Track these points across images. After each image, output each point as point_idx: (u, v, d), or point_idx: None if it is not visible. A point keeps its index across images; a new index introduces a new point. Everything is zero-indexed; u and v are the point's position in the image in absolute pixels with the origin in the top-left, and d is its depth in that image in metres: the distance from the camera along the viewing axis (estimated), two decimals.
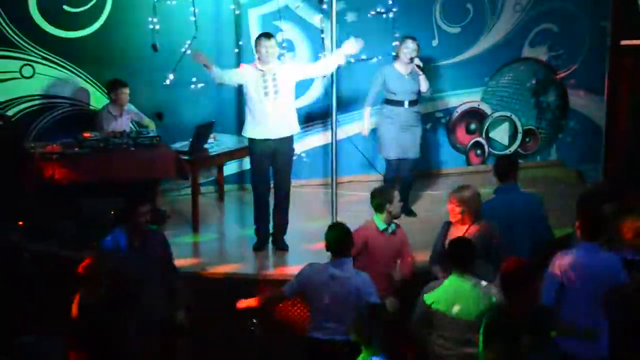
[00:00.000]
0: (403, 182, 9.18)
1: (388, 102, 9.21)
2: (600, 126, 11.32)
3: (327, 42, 9.92)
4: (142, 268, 6.55)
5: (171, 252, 7.01)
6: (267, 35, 8.34)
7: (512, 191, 7.16)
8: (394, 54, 9.61)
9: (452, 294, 5.85)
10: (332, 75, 8.82)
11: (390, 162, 9.23)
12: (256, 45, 8.31)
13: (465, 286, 5.84)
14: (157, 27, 9.65)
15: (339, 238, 6.42)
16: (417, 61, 9.08)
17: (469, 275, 5.89)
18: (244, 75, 8.34)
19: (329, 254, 6.55)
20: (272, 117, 8.25)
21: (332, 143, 8.97)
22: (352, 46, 8.51)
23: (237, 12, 10.10)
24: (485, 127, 11.05)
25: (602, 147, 11.08)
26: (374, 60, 10.41)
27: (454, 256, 5.97)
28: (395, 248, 7.03)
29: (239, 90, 9.97)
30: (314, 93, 10.48)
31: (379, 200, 7.02)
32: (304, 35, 10.36)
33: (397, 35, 10.49)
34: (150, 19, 9.64)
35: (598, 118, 11.34)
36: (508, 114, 11.10)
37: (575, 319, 5.92)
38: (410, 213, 9.24)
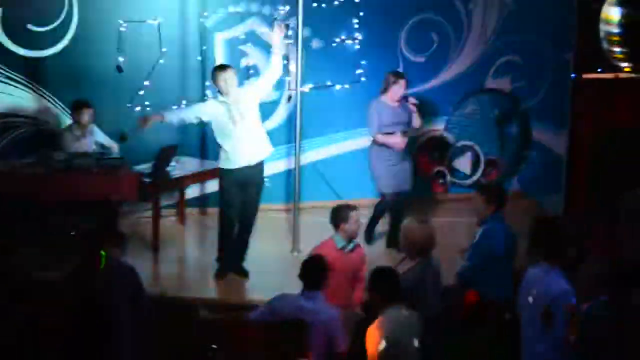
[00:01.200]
0: (397, 213, 9.17)
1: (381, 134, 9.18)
2: (562, 158, 11.51)
3: (292, 68, 10.07)
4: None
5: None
6: (222, 67, 8.45)
7: (502, 220, 7.16)
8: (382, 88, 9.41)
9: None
10: (296, 101, 8.96)
11: (385, 196, 9.25)
12: (214, 79, 8.37)
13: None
14: (123, 48, 9.73)
15: (313, 270, 6.45)
16: (413, 100, 9.18)
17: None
18: (209, 113, 8.41)
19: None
20: (244, 143, 8.36)
21: (295, 168, 9.10)
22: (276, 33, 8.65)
23: (203, 36, 10.18)
24: (448, 156, 11.19)
25: (564, 178, 11.27)
26: (338, 87, 10.55)
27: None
28: (354, 266, 7.16)
29: None
30: (278, 118, 10.59)
31: (334, 219, 7.16)
32: (270, 61, 10.41)
33: (362, 62, 10.66)
34: (115, 40, 9.71)
35: (560, 149, 11.53)
36: (471, 143, 11.24)
37: None
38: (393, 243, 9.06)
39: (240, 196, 8.46)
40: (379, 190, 9.37)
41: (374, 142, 9.22)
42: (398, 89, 9.10)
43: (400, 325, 5.78)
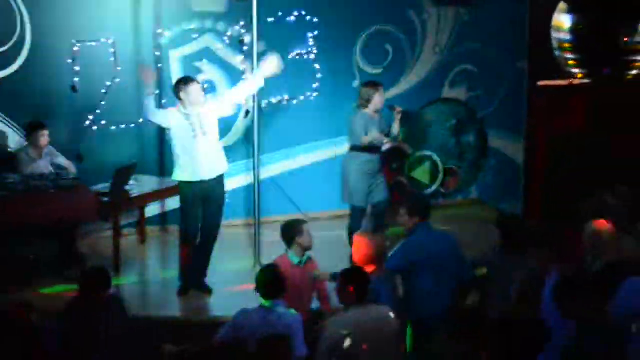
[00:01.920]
0: (379, 227, 9.00)
1: (358, 148, 9.01)
2: (519, 165, 11.64)
3: None
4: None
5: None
6: (187, 80, 8.42)
7: (430, 230, 7.21)
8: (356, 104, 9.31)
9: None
10: (253, 116, 8.97)
11: (356, 210, 9.08)
12: (178, 91, 8.32)
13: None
14: (77, 68, 9.70)
15: (270, 280, 6.42)
16: (399, 108, 9.14)
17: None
18: (169, 119, 8.39)
19: (254, 295, 6.60)
20: (204, 157, 8.33)
21: (254, 183, 9.10)
22: (272, 64, 8.61)
23: (157, 53, 10.18)
24: (407, 166, 11.24)
25: (521, 185, 11.39)
26: (295, 101, 10.59)
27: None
28: (311, 278, 7.20)
29: (161, 132, 10.10)
30: (236, 133, 10.60)
31: (288, 234, 7.18)
32: (226, 77, 10.46)
33: (318, 76, 10.71)
34: (69, 60, 9.68)
35: (517, 157, 11.66)
36: (429, 153, 11.29)
37: None
38: None
39: (200, 211, 8.44)
40: (355, 203, 9.08)
41: (353, 154, 9.06)
42: (379, 98, 8.99)
43: (365, 324, 5.81)
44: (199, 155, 8.30)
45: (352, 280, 6.00)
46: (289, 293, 6.72)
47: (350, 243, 8.23)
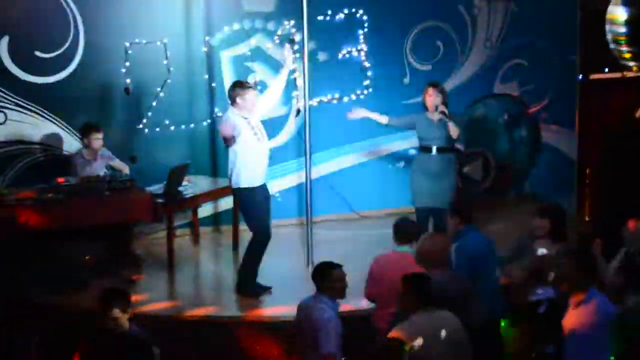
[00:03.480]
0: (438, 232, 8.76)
1: (420, 149, 8.96)
2: (572, 159, 11.48)
3: (300, 82, 10.05)
4: None
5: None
6: (244, 84, 8.34)
7: (473, 233, 6.99)
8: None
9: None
10: (304, 115, 8.94)
11: (419, 211, 8.91)
12: (235, 95, 8.21)
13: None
14: (130, 70, 9.75)
15: (318, 274, 6.42)
16: (441, 107, 8.72)
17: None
18: (240, 126, 8.19)
19: (308, 294, 6.56)
20: (265, 160, 8.34)
21: (306, 182, 9.06)
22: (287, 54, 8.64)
23: (209, 54, 10.18)
24: (459, 164, 11.12)
25: (575, 180, 11.24)
26: (346, 99, 10.55)
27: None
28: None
29: (213, 132, 10.12)
30: (287, 133, 10.59)
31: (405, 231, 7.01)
32: (276, 76, 10.36)
33: (369, 74, 10.65)
34: (122, 63, 9.72)
35: (570, 151, 11.51)
36: (481, 149, 11.20)
37: None
38: None
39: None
40: (414, 204, 8.98)
41: (417, 153, 9.04)
42: (428, 99, 8.80)
43: (432, 327, 5.73)
44: (263, 160, 8.28)
45: (414, 286, 5.92)
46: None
47: None
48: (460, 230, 6.95)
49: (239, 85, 8.30)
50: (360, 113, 9.11)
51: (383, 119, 9.07)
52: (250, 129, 8.20)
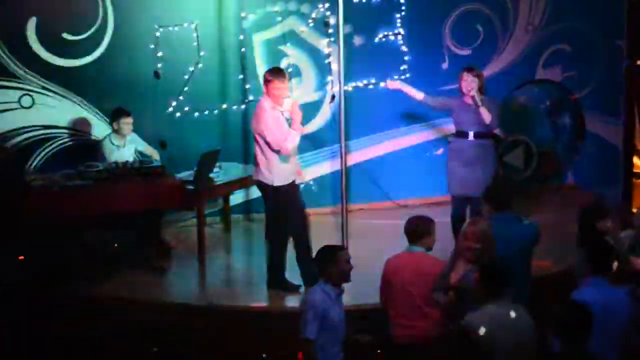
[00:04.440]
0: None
1: (455, 134, 8.86)
2: (617, 148, 11.29)
3: (334, 67, 9.95)
4: None
5: None
6: (280, 72, 8.08)
7: (504, 221, 6.75)
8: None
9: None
10: (339, 101, 8.82)
11: (456, 199, 8.82)
12: (271, 84, 7.91)
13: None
14: (160, 53, 9.69)
15: (317, 259, 6.29)
16: (472, 93, 8.59)
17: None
18: (281, 122, 7.99)
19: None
20: (295, 158, 8.20)
21: (341, 170, 8.94)
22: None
23: (241, 37, 10.09)
24: (499, 151, 10.98)
25: (621, 169, 11.05)
26: (382, 84, 10.43)
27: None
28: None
29: (245, 118, 10.04)
30: (322, 119, 10.48)
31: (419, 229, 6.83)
32: (311, 60, 10.36)
33: (406, 58, 10.53)
34: (152, 46, 9.66)
35: (615, 140, 11.32)
36: (522, 137, 11.04)
37: None
38: None
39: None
40: (449, 191, 8.91)
41: (452, 138, 8.96)
42: (464, 83, 8.65)
43: (499, 323, 5.58)
44: (294, 156, 8.15)
45: (486, 276, 5.74)
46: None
47: (453, 232, 7.99)
48: (491, 219, 6.74)
49: (275, 73, 8.02)
50: (396, 84, 9.02)
51: (419, 95, 8.95)
52: (284, 122, 8.02)
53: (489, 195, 6.99)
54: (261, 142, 7.97)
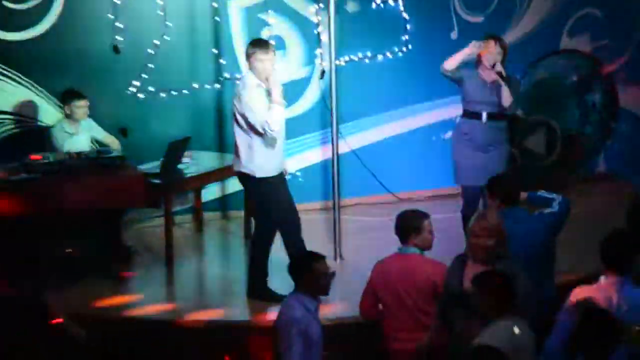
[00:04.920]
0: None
1: (465, 114, 8.84)
2: None
3: (324, 38, 9.97)
4: None
5: None
6: (263, 43, 8.12)
7: (513, 218, 6.82)
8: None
9: None
10: (330, 78, 8.84)
11: (467, 190, 8.84)
12: (253, 57, 7.94)
13: None
14: (119, 24, 9.69)
15: (292, 268, 6.40)
16: (498, 67, 8.58)
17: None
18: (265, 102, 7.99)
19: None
20: (281, 145, 8.20)
21: (332, 158, 8.98)
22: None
23: (214, 4, 10.11)
24: (518, 134, 11.02)
25: None
26: (380, 58, 10.44)
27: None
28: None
29: (219, 99, 10.07)
30: (309, 99, 10.51)
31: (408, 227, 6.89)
32: (297, 30, 10.37)
33: (408, 27, 10.54)
34: (110, 15, 9.67)
35: None
36: (545, 117, 11.08)
37: None
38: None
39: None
40: (458, 183, 8.97)
41: (460, 119, 8.93)
42: (487, 55, 8.61)
43: (505, 342, 5.59)
44: (280, 143, 8.14)
45: (490, 288, 5.78)
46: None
47: (464, 229, 8.01)
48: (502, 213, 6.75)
49: (257, 45, 8.07)
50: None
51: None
52: (267, 103, 8.05)
53: (495, 186, 7.10)
54: (243, 125, 7.99)
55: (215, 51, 10.17)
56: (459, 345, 6.03)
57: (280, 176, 8.20)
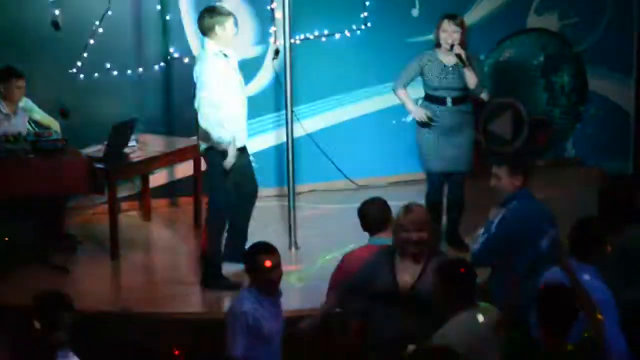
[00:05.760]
0: (451, 204, 9.01)
1: (427, 99, 8.93)
2: (627, 113, 11.46)
3: (279, 15, 9.97)
4: None
5: None
6: (226, 10, 8.26)
7: (532, 198, 7.05)
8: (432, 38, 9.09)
9: None
10: (284, 58, 8.87)
11: (432, 177, 8.98)
12: (213, 23, 8.10)
13: None
14: None
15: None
16: (457, 49, 8.67)
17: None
18: (223, 70, 8.14)
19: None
20: (245, 115, 8.29)
21: (287, 142, 9.01)
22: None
23: None
24: (483, 117, 11.10)
25: (631, 138, 11.21)
26: (337, 36, 10.48)
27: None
28: None
29: (167, 79, 10.07)
30: (263, 80, 10.52)
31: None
32: (248, 6, 10.39)
33: (367, 3, 10.58)
34: None
35: (625, 102, 11.48)
36: (510, 100, 11.17)
37: None
38: (461, 245, 8.86)
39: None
40: (424, 169, 9.09)
41: (423, 103, 8.99)
42: (443, 34, 8.71)
43: (472, 334, 5.74)
44: (244, 113, 8.22)
45: (454, 279, 5.87)
46: None
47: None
48: (516, 193, 6.93)
49: (218, 11, 8.19)
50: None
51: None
52: (231, 72, 8.16)
53: (519, 162, 7.14)
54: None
55: (163, 28, 10.15)
56: (390, 345, 6.15)
57: (243, 151, 8.33)
